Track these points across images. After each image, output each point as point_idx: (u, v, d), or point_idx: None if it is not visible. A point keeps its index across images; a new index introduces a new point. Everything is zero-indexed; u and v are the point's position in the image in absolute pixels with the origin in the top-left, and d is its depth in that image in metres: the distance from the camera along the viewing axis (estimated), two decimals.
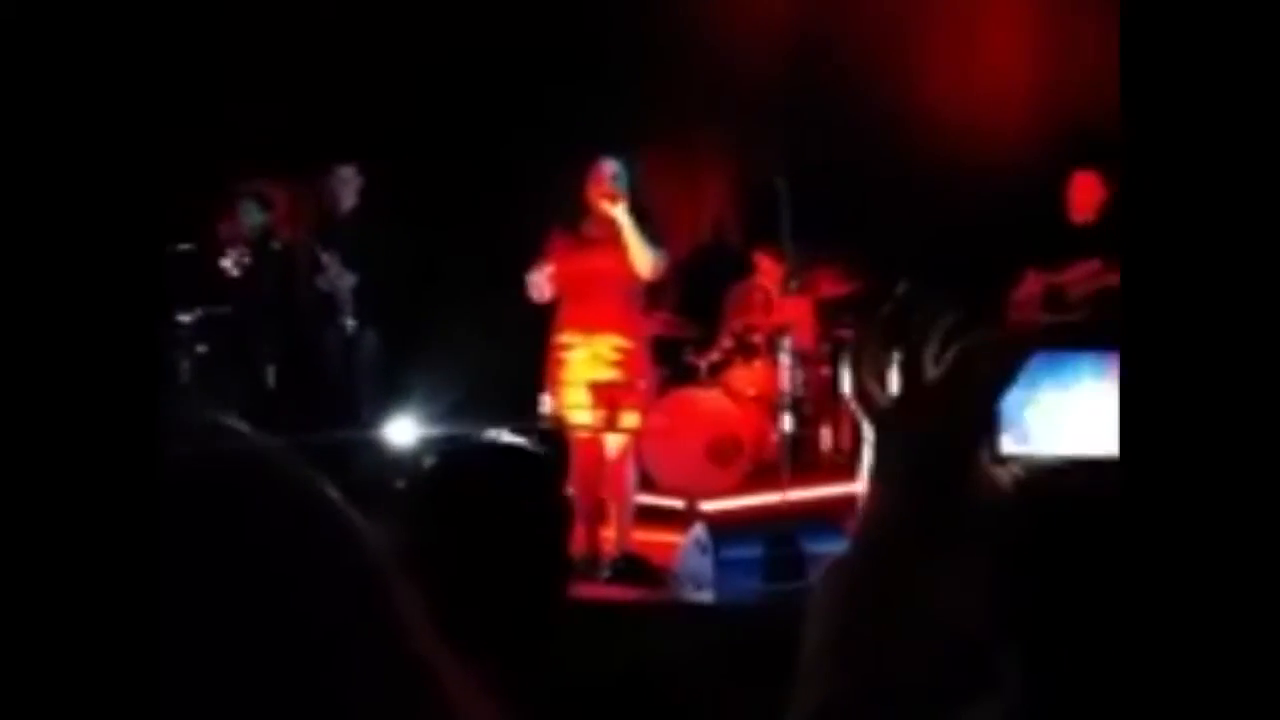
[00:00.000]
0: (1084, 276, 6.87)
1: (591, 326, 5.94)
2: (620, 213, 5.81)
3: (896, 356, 0.96)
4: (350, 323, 7.63)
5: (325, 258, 7.52)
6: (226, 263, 7.64)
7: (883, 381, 0.97)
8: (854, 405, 0.98)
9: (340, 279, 7.53)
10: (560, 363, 5.97)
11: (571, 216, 5.95)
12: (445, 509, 1.99)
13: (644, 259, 5.83)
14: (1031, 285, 7.12)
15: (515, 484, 2.02)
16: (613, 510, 6.09)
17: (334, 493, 0.82)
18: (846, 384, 0.98)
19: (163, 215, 0.90)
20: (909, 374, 0.96)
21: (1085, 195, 6.86)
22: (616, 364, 5.93)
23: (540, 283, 5.86)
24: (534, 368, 6.28)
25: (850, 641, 0.98)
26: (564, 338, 5.98)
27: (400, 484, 6.98)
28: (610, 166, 5.91)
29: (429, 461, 2.17)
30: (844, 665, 0.98)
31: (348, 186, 7.67)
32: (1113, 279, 6.60)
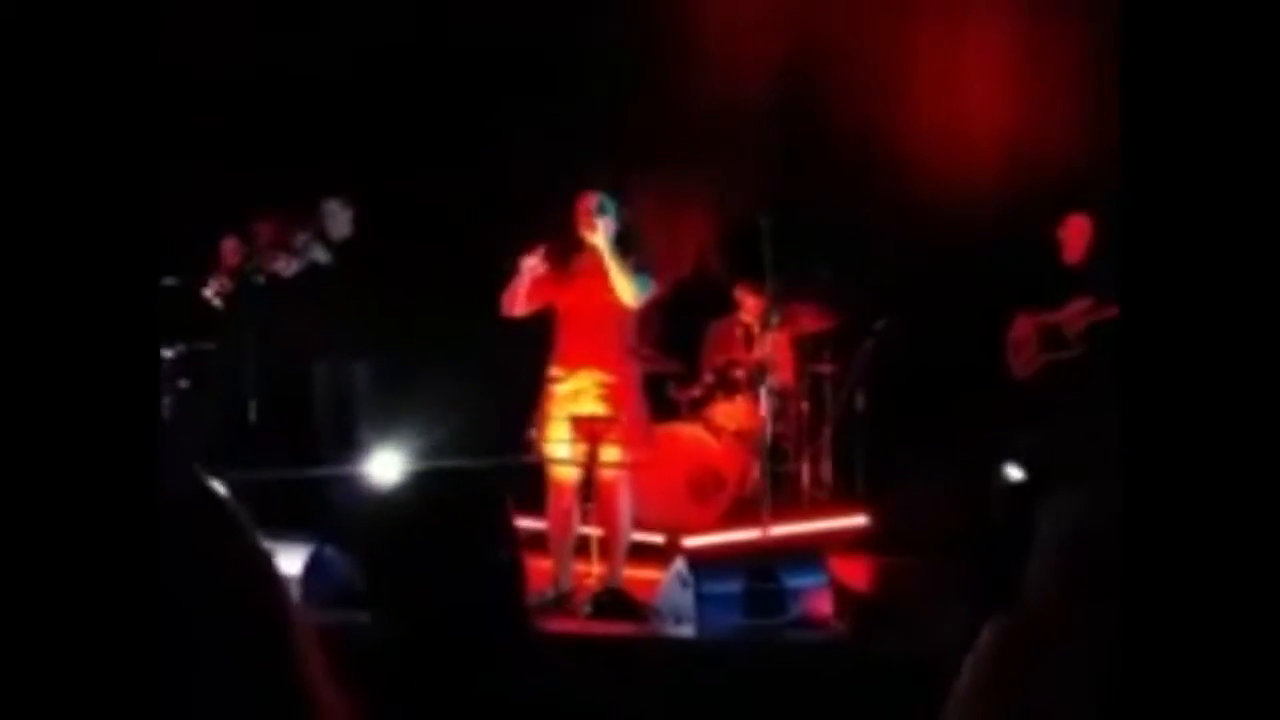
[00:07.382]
0: (1078, 314, 7.03)
1: (577, 361, 5.97)
2: (599, 239, 5.89)
3: None
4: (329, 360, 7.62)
5: (299, 239, 7.50)
6: (208, 292, 7.61)
7: None
8: None
9: (310, 251, 7.51)
10: (549, 396, 6.01)
11: (560, 251, 5.99)
12: (387, 546, 1.99)
13: (625, 286, 5.88)
14: (1022, 327, 7.24)
15: (457, 520, 2.01)
16: (607, 544, 6.09)
17: (253, 535, 0.84)
18: None
19: (158, 247, 0.92)
20: None
21: (1077, 237, 7.12)
22: (600, 398, 5.95)
23: (533, 265, 5.89)
24: (519, 401, 6.28)
25: (999, 690, 1.04)
26: (553, 371, 6.03)
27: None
28: (593, 199, 6.00)
29: (379, 499, 2.18)
30: (987, 713, 1.04)
31: (337, 219, 7.68)
32: (1104, 313, 6.81)
